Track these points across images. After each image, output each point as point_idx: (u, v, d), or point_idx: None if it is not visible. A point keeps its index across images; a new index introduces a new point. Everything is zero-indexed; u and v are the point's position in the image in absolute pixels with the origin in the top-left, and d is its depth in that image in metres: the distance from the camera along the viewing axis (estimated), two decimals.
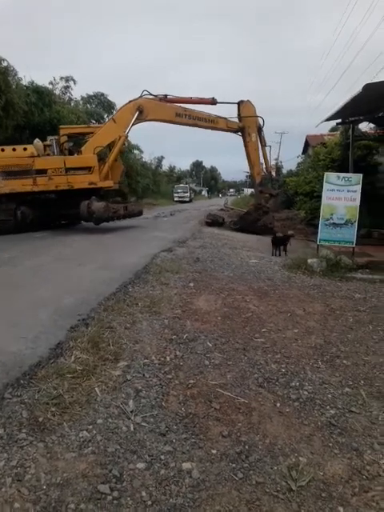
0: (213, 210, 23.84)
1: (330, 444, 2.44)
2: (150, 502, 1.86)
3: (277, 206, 18.14)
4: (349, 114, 11.85)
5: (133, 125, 12.90)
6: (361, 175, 8.89)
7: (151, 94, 13.51)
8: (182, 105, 14.12)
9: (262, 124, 15.23)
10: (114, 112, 21.03)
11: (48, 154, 12.89)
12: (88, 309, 4.20)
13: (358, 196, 8.62)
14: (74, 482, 1.92)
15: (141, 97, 13.29)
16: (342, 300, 5.78)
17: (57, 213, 13.63)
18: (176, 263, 7.15)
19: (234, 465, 2.18)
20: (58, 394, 2.59)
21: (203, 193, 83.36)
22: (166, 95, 13.82)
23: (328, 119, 12.62)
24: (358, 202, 8.64)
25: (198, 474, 2.08)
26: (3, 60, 16.06)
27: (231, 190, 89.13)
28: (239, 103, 14.93)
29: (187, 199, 51.00)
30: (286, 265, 8.09)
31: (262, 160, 15.74)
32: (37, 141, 13.03)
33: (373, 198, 13.59)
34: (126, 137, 13.61)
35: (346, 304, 5.57)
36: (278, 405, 2.83)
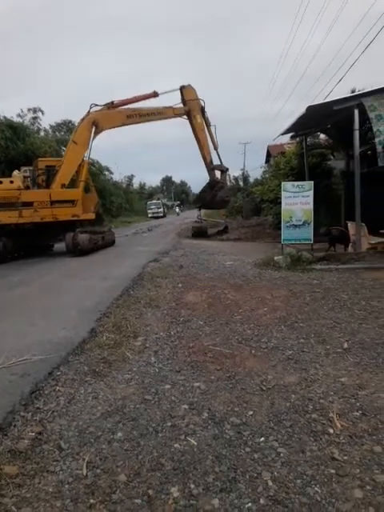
0: (188, 222, 25.23)
1: (288, 368, 3.72)
2: (177, 401, 3.08)
3: (229, 182, 18.83)
4: (300, 128, 13.57)
5: (93, 140, 13.47)
6: (312, 182, 10.41)
7: (98, 105, 14.20)
8: (130, 106, 14.82)
9: (203, 106, 16.10)
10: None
11: (28, 186, 13.30)
12: (104, 307, 5.42)
13: (311, 200, 10.12)
14: (130, 397, 3.13)
15: (89, 111, 13.98)
16: (302, 286, 7.15)
17: (34, 242, 13.79)
18: (164, 270, 8.41)
19: (226, 382, 3.42)
20: (102, 357, 3.80)
21: (175, 208, 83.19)
22: (112, 102, 14.48)
23: (282, 134, 14.28)
24: (311, 205, 10.13)
25: (204, 387, 3.31)
26: None
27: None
28: (181, 88, 15.78)
29: (161, 215, 52.33)
30: (256, 264, 9.47)
31: (209, 140, 16.51)
32: (16, 172, 13.56)
33: (330, 199, 15.25)
34: (88, 162, 14.38)
35: (305, 288, 6.94)
36: (253, 351, 4.10)
